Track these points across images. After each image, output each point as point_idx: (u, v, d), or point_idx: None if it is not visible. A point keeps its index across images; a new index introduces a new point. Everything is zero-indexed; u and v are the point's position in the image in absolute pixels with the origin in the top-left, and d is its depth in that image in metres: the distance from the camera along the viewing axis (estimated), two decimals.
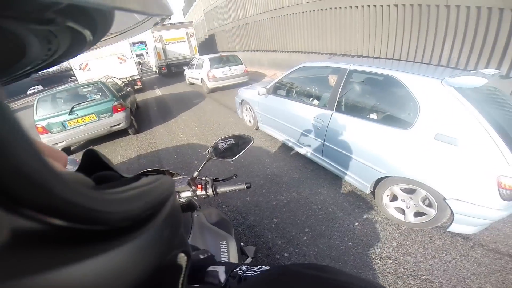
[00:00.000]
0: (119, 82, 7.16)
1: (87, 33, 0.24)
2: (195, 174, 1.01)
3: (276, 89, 3.79)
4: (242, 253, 1.19)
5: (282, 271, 0.36)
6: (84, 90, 5.17)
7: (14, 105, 23.27)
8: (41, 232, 0.13)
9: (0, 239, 0.11)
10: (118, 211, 0.18)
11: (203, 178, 0.99)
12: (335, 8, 7.85)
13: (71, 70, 11.35)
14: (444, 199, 1.85)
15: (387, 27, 6.44)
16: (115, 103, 5.06)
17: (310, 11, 8.86)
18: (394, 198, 2.31)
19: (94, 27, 0.24)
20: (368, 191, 2.47)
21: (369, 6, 6.73)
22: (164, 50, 14.47)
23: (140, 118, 6.84)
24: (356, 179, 2.52)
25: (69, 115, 4.67)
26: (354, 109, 2.55)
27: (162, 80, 14.57)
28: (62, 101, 4.93)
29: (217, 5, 16.28)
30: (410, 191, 2.14)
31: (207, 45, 19.05)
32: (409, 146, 1.98)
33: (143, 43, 26.02)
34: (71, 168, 2.53)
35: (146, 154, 4.59)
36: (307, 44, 9.56)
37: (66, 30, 0.22)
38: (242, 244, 1.42)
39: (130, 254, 0.18)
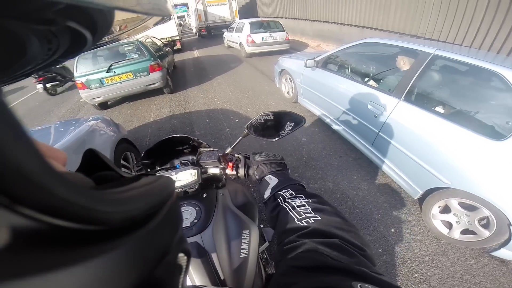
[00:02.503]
0: (158, 42, 6.89)
1: (87, 33, 0.23)
2: (228, 150, 0.90)
3: (326, 63, 3.18)
4: (260, 235, 1.06)
5: None
6: (124, 49, 5.02)
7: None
8: (40, 232, 0.12)
9: (1, 239, 0.11)
10: (118, 211, 0.17)
11: (236, 155, 0.89)
12: None
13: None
14: (510, 224, 1.49)
15: (473, 6, 4.73)
16: (152, 63, 4.85)
17: None
18: (445, 210, 1.85)
19: (94, 27, 0.23)
20: (416, 197, 2.00)
21: None
22: (205, 12, 13.81)
23: (176, 78, 6.58)
24: (407, 181, 2.04)
25: (107, 72, 4.64)
26: (429, 103, 1.96)
27: (201, 42, 13.94)
28: (102, 59, 4.85)
29: None
30: (470, 207, 1.68)
31: (248, 10, 17.57)
32: (493, 161, 1.48)
33: (185, 5, 25.14)
34: (106, 128, 2.39)
35: (178, 114, 4.37)
36: (364, 17, 7.79)
37: (66, 30, 0.21)
38: (261, 225, 1.26)
39: (130, 254, 0.17)
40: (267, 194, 0.64)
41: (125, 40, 5.84)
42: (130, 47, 5.01)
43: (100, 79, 4.66)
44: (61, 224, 0.13)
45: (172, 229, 0.26)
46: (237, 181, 2.56)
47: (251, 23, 8.08)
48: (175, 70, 7.63)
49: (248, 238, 0.82)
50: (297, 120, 0.87)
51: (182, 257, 0.27)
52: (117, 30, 0.35)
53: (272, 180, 0.67)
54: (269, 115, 0.90)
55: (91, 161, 0.29)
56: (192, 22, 17.57)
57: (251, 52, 8.07)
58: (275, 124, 0.91)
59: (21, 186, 0.11)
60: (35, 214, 0.12)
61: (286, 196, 0.58)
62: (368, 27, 7.77)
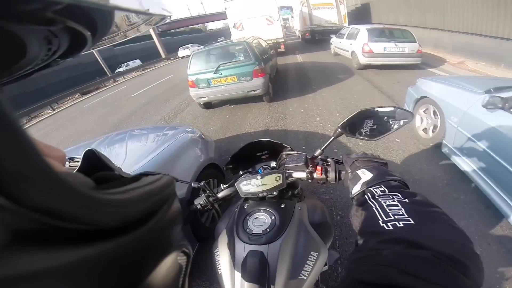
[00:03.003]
0: (264, 44, 6.63)
1: (87, 33, 0.23)
2: (317, 152, 0.82)
3: None
4: None
5: None
6: (233, 48, 4.98)
7: (168, 61, 24.91)
8: (40, 232, 0.13)
9: (0, 239, 0.11)
10: (118, 211, 0.17)
11: (325, 158, 0.84)
12: None
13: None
14: None
15: None
16: (256, 67, 4.59)
17: None
18: None
19: (94, 27, 0.23)
20: None
21: None
22: (310, 15, 13.06)
23: (277, 85, 6.17)
24: None
25: (214, 73, 4.63)
26: None
27: (305, 46, 13.41)
28: (213, 57, 4.94)
29: None
30: None
31: (359, 16, 15.49)
32: None
33: (289, 7, 25.20)
34: (195, 147, 2.12)
35: (273, 131, 3.86)
36: None
37: (66, 30, 0.21)
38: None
39: (129, 254, 0.18)
40: (356, 189, 0.57)
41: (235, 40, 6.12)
42: (239, 47, 4.90)
43: (207, 80, 4.70)
44: (61, 224, 0.13)
45: (172, 229, 0.26)
46: (318, 196, 2.27)
47: (369, 30, 6.86)
48: (277, 74, 7.28)
49: (314, 261, 0.76)
50: (405, 115, 0.76)
51: (181, 257, 0.27)
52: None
53: (366, 175, 0.58)
54: (374, 111, 0.78)
55: (91, 161, 0.29)
56: (296, 25, 17.18)
57: (366, 63, 6.86)
58: (377, 122, 0.79)
59: (20, 186, 0.11)
60: (35, 214, 0.12)
61: (377, 193, 0.50)
62: None
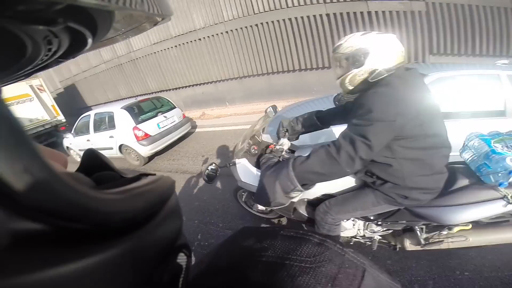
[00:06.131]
0: None
1: (87, 33, 0.22)
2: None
3: None
4: None
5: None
6: None
7: None
8: (41, 232, 0.13)
9: (1, 239, 0.11)
10: (118, 211, 0.17)
11: None
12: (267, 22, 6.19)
13: None
14: None
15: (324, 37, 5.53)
16: None
17: (233, 30, 6.76)
18: None
19: (94, 27, 0.22)
20: None
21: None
22: None
23: None
24: None
25: None
26: None
27: None
28: None
29: None
30: None
31: (66, 102, 11.80)
32: None
33: None
34: None
35: None
36: (238, 68, 7.26)
37: (66, 30, 0.21)
38: None
39: (130, 254, 0.17)
40: None
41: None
42: None
43: None
44: (62, 224, 0.13)
45: (173, 229, 0.25)
46: None
47: (126, 108, 4.83)
48: None
49: None
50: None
51: (182, 257, 0.26)
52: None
53: None
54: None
55: (91, 161, 0.29)
56: None
57: (150, 154, 4.84)
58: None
59: (21, 187, 0.11)
60: (36, 215, 0.12)
61: None
62: (245, 76, 7.21)
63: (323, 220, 1.38)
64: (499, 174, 1.09)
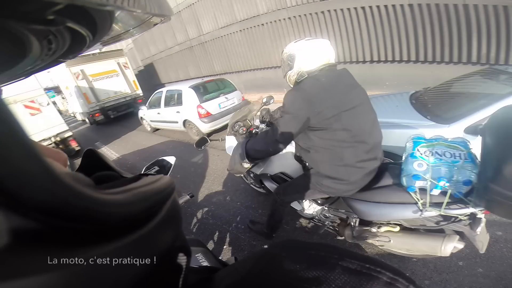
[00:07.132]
0: None
1: (87, 33, 0.22)
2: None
3: None
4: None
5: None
6: None
7: None
8: (41, 232, 0.12)
9: (1, 239, 0.11)
10: (118, 211, 0.17)
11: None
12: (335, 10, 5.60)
13: None
14: None
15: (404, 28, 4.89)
16: None
17: (296, 16, 6.39)
18: None
19: (94, 27, 0.22)
20: None
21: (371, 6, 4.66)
22: (92, 89, 9.33)
23: None
24: None
25: None
26: None
27: (101, 130, 9.47)
28: None
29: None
30: None
31: (146, 79, 13.86)
32: None
33: (52, 89, 18.83)
34: None
35: None
36: None
37: (66, 30, 0.20)
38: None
39: (130, 254, 0.17)
40: None
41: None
42: None
43: None
44: (62, 224, 0.13)
45: (172, 229, 0.25)
46: None
47: (194, 88, 5.16)
48: None
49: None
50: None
51: (182, 257, 0.26)
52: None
53: None
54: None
55: (91, 161, 0.28)
56: (74, 107, 11.89)
57: (209, 131, 5.11)
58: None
59: (21, 187, 0.11)
60: (36, 214, 0.12)
61: None
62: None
63: (277, 200, 1.66)
64: (406, 177, 1.13)
